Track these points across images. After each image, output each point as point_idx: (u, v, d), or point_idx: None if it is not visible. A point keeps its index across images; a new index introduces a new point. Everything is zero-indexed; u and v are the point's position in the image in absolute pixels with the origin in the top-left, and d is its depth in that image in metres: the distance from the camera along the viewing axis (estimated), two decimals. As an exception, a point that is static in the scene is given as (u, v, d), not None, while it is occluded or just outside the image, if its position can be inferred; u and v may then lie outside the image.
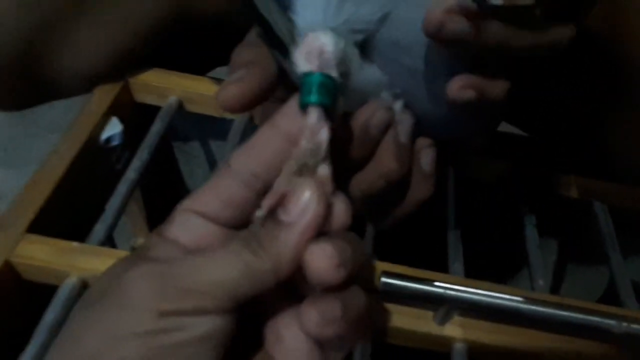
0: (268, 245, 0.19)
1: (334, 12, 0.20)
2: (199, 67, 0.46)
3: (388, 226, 0.32)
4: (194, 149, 0.53)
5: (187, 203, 0.21)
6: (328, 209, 0.19)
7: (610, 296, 0.35)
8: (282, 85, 0.24)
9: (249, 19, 0.22)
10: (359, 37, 0.22)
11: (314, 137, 0.19)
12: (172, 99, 0.42)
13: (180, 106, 0.43)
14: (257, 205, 0.20)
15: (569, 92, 0.36)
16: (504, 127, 0.42)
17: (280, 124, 0.20)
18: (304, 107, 0.19)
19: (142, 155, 0.38)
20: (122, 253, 0.32)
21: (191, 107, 0.43)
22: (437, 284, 0.27)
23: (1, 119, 0.81)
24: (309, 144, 0.19)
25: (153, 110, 0.42)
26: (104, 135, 0.39)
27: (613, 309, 0.29)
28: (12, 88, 0.39)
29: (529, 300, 0.27)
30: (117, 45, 0.39)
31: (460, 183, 0.39)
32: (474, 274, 0.33)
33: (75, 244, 0.31)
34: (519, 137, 0.42)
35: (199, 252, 0.20)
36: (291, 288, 0.21)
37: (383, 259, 0.33)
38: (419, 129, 0.24)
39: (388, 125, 0.23)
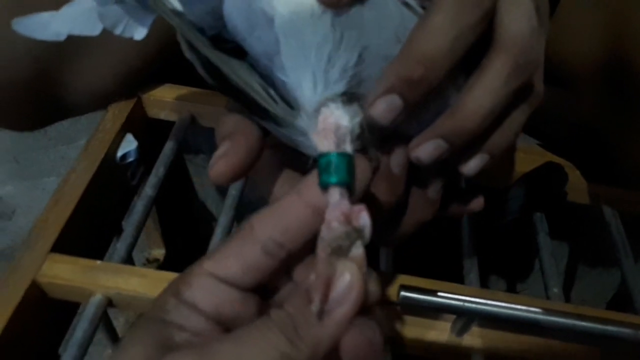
0: (305, 333, 0.18)
1: (325, 69, 0.20)
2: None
3: (392, 244, 0.32)
4: (205, 161, 0.54)
5: (207, 265, 0.20)
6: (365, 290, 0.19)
7: (621, 299, 0.36)
8: (269, 138, 0.24)
9: (221, 90, 0.22)
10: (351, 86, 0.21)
11: (351, 220, 0.19)
12: (185, 115, 0.43)
13: (192, 121, 0.43)
14: (279, 272, 0.20)
15: (579, 103, 0.36)
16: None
17: (306, 195, 0.20)
18: (324, 186, 0.19)
19: (157, 172, 0.39)
20: (142, 271, 0.32)
21: (204, 122, 0.44)
22: (455, 296, 0.28)
23: (11, 132, 0.81)
24: (341, 226, 0.18)
25: (165, 125, 0.43)
26: (120, 153, 0.40)
27: (629, 317, 0.30)
28: (26, 110, 0.40)
29: (546, 311, 0.28)
30: (129, 64, 0.40)
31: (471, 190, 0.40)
32: (488, 281, 0.34)
33: (98, 262, 0.32)
34: (530, 147, 0.43)
35: (233, 337, 0.19)
36: None
37: (400, 269, 0.33)
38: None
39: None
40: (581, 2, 0.33)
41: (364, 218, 0.19)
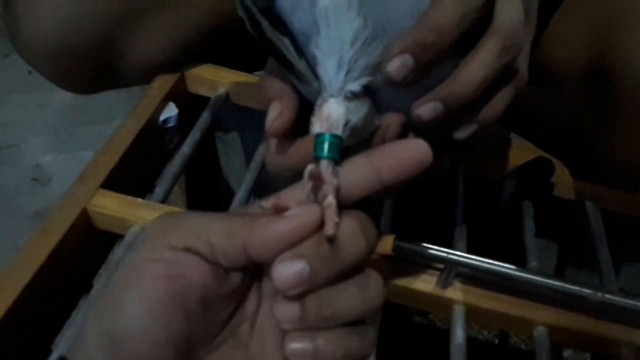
0: (257, 223, 0.22)
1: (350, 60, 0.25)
2: (247, 66, 0.52)
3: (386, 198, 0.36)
4: (232, 139, 0.59)
5: None
6: (322, 227, 0.22)
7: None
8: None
9: (260, 43, 0.27)
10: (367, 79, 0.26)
11: (320, 189, 0.23)
12: (221, 91, 0.48)
13: (227, 97, 0.49)
14: None
15: (566, 103, 0.41)
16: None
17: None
18: (317, 159, 0.24)
19: (194, 135, 0.44)
20: (177, 209, 0.37)
21: (237, 99, 0.49)
22: (441, 249, 0.32)
23: (54, 108, 0.88)
24: (310, 193, 0.23)
25: (202, 101, 0.49)
26: (162, 117, 0.46)
27: (590, 283, 0.34)
28: (88, 73, 0.46)
29: (518, 268, 0.32)
30: (180, 39, 0.46)
31: (468, 180, 0.44)
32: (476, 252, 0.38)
33: (140, 200, 0.37)
34: (524, 144, 0.47)
35: (207, 213, 0.24)
36: None
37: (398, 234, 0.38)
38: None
39: None
40: (569, 11, 0.38)
41: (328, 199, 0.23)
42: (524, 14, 0.27)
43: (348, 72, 0.26)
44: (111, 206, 0.36)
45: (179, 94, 0.48)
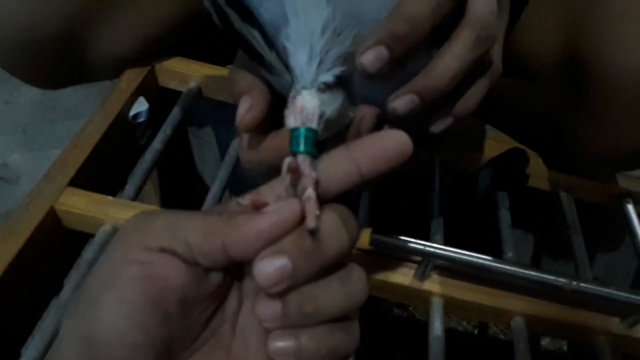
0: (236, 221, 0.21)
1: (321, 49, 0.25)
2: (220, 59, 0.51)
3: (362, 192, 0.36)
4: (206, 135, 0.58)
5: None
6: (303, 222, 0.21)
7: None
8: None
9: (228, 34, 0.26)
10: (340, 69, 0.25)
11: (298, 183, 0.23)
12: (193, 84, 0.47)
13: (199, 91, 0.48)
14: None
15: (541, 94, 0.41)
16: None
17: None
18: (293, 154, 0.24)
19: (165, 130, 0.43)
20: (148, 207, 0.36)
21: (209, 93, 0.48)
22: (417, 241, 0.32)
23: (22, 105, 0.86)
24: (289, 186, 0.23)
25: (174, 95, 0.47)
26: (132, 112, 0.44)
27: (567, 273, 0.34)
28: (54, 67, 0.44)
29: (495, 259, 0.32)
30: (148, 31, 0.45)
31: (444, 172, 0.44)
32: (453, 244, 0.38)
33: (109, 197, 0.36)
34: (500, 135, 0.48)
35: (184, 211, 0.22)
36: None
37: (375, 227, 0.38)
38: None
39: None
40: (541, 2, 0.39)
41: (308, 192, 0.22)
42: (497, 4, 0.27)
43: (320, 62, 0.25)
44: (80, 205, 0.35)
45: (150, 88, 0.47)
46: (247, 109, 0.27)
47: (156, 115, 0.46)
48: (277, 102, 0.27)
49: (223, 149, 0.58)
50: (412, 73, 0.27)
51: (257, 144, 0.29)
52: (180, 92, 0.47)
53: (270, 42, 0.26)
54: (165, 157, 0.42)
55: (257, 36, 0.26)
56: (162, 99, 0.48)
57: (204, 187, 0.61)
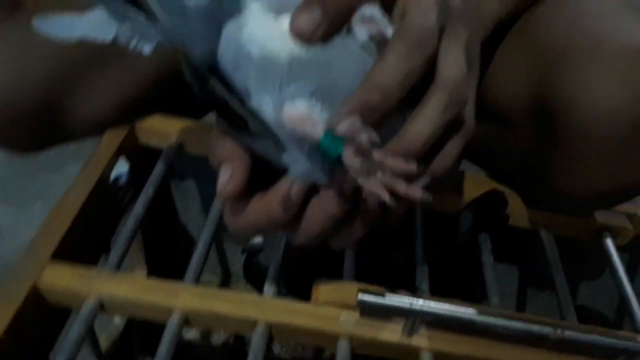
0: None
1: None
2: (198, 113, 0.51)
3: (349, 245, 0.37)
4: (188, 186, 0.58)
5: None
6: None
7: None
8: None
9: (210, 105, 0.27)
10: None
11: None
12: (173, 142, 0.48)
13: (180, 148, 0.48)
14: None
15: (514, 137, 0.42)
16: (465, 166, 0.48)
17: None
18: (338, 156, 0.25)
19: (147, 192, 0.43)
20: (133, 277, 0.36)
21: (190, 148, 0.48)
22: (403, 299, 0.33)
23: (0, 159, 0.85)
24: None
25: (155, 153, 0.48)
26: (113, 175, 0.44)
27: (551, 320, 0.35)
28: (32, 132, 0.44)
29: (481, 312, 0.33)
30: (127, 94, 0.45)
31: (426, 215, 0.45)
32: (439, 291, 0.38)
33: (93, 270, 0.36)
34: (478, 176, 0.48)
35: None
36: None
37: (363, 281, 0.38)
38: None
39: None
40: (510, 47, 0.40)
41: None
42: (467, 62, 0.27)
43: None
44: (63, 279, 0.35)
45: (130, 147, 0.47)
46: (228, 179, 0.27)
47: (137, 174, 0.46)
48: (259, 166, 0.28)
49: (206, 200, 0.58)
50: (387, 136, 0.27)
51: (240, 209, 0.29)
52: (161, 150, 0.47)
53: (249, 107, 0.27)
54: (148, 210, 0.42)
55: (236, 102, 0.26)
56: (142, 157, 0.48)
57: (188, 237, 0.61)
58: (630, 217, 0.46)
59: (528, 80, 0.40)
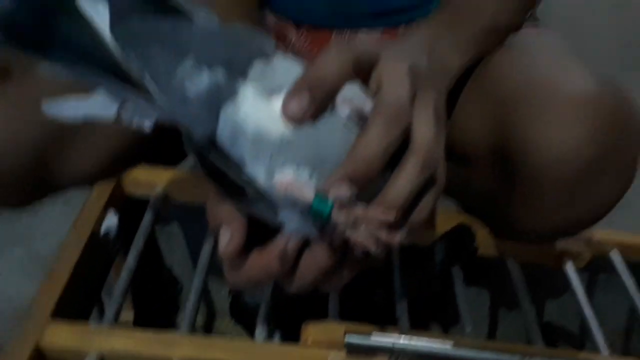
0: None
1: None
2: (178, 159, 0.54)
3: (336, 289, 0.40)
4: (173, 229, 0.60)
5: None
6: None
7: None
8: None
9: (209, 176, 0.29)
10: None
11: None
12: (159, 191, 0.50)
13: (166, 196, 0.50)
14: None
15: (477, 177, 0.46)
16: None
17: None
18: (329, 216, 0.28)
19: (137, 244, 0.45)
20: (131, 332, 0.38)
21: (175, 196, 0.51)
22: (387, 338, 0.36)
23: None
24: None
25: (141, 202, 0.50)
26: (103, 229, 0.46)
27: (519, 347, 0.38)
28: (22, 190, 0.46)
29: (455, 345, 0.36)
30: (114, 149, 0.47)
31: (401, 249, 0.48)
32: (418, 322, 0.42)
33: (92, 326, 0.37)
34: (448, 210, 0.52)
35: None
36: None
37: (347, 317, 0.41)
38: None
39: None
40: (472, 98, 0.44)
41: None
42: (437, 123, 0.31)
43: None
44: (63, 338, 0.36)
45: (118, 199, 0.49)
46: (228, 240, 0.30)
47: (126, 224, 0.48)
48: (254, 225, 0.31)
49: (191, 243, 0.60)
50: (370, 196, 0.30)
51: (239, 265, 0.32)
52: (147, 200, 0.50)
53: (245, 176, 0.29)
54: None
55: (233, 172, 0.29)
56: (130, 207, 0.50)
57: (174, 279, 0.63)
58: (587, 241, 0.51)
59: (488, 128, 0.44)
